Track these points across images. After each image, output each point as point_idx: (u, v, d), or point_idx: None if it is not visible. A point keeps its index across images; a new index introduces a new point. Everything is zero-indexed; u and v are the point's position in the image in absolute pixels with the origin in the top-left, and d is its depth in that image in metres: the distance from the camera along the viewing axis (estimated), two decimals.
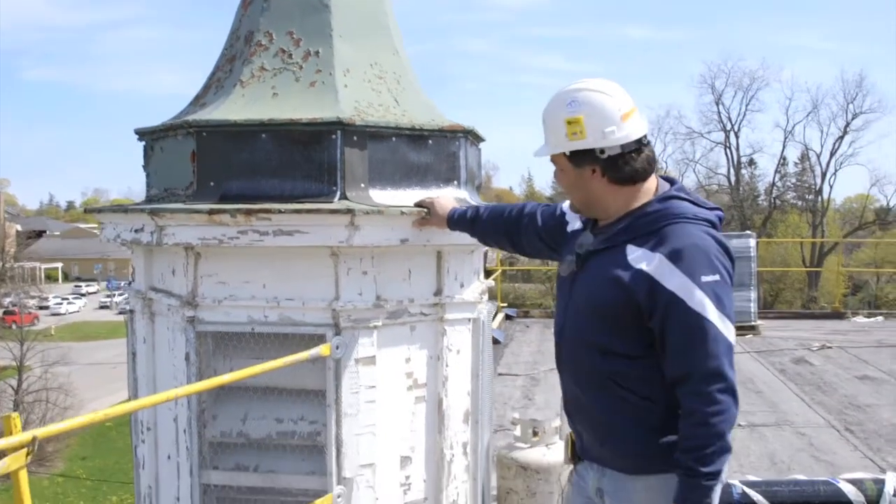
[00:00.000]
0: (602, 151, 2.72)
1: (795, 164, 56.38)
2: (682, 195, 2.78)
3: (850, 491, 4.98)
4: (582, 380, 2.86)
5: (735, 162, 54.18)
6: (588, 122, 2.70)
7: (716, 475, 2.52)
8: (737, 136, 53.91)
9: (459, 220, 3.44)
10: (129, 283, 4.08)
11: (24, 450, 2.20)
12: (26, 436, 2.19)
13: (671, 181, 2.86)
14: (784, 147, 54.30)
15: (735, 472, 5.95)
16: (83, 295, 79.32)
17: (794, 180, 57.40)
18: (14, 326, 48.86)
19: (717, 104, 53.84)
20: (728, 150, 54.12)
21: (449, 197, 3.57)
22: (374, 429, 3.46)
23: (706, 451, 2.51)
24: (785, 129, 53.49)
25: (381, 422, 3.48)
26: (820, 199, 53.06)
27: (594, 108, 2.71)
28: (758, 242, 14.41)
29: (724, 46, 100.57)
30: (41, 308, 66.30)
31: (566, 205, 3.15)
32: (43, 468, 33.75)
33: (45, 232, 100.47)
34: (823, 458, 6.50)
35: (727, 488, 5.03)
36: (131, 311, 3.96)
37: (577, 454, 3.01)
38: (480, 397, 3.86)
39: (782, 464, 6.38)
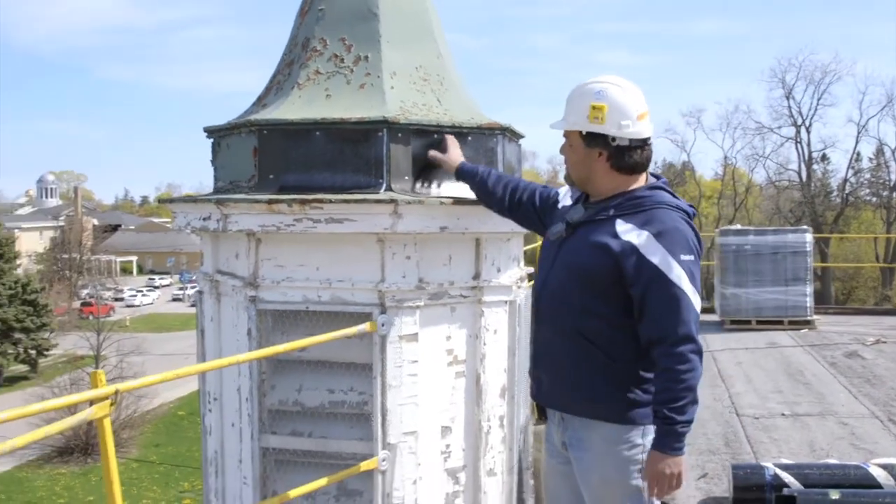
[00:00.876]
0: (613, 139, 3.15)
1: (870, 159, 55.42)
2: (666, 188, 3.23)
3: (879, 475, 5.17)
4: (556, 332, 3.24)
5: (806, 157, 53.36)
6: (609, 112, 3.14)
7: (689, 423, 2.94)
8: (808, 132, 53.10)
9: (467, 173, 3.78)
10: (200, 268, 4.49)
11: (108, 400, 2.57)
12: (110, 388, 2.57)
13: (658, 176, 3.29)
14: (857, 142, 53.42)
15: (774, 458, 6.14)
16: (157, 287, 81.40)
17: (868, 176, 56.33)
18: (91, 317, 50.53)
19: (788, 98, 53.09)
20: (799, 146, 53.34)
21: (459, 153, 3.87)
22: (417, 399, 3.80)
23: (681, 403, 2.92)
24: (858, 124, 52.56)
25: (422, 393, 3.82)
26: (895, 195, 51.94)
27: (618, 101, 3.14)
28: (824, 239, 14.43)
29: (795, 40, 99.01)
30: (116, 300, 68.38)
31: (562, 191, 3.57)
32: (119, 454, 34.99)
33: (120, 226, 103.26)
34: (863, 447, 6.63)
35: (760, 470, 5.27)
36: (200, 293, 4.36)
37: (541, 414, 3.45)
38: (517, 374, 4.18)
39: (821, 451, 6.54)
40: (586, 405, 3.19)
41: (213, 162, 4.32)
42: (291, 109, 3.91)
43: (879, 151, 53.98)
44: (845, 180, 54.35)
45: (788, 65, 66.89)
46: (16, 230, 75.27)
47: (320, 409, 3.82)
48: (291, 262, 3.83)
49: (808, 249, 12.97)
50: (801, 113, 53.02)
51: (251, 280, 3.84)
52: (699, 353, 2.98)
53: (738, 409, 7.96)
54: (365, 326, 3.61)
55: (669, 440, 2.97)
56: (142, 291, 75.67)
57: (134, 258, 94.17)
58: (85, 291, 65.47)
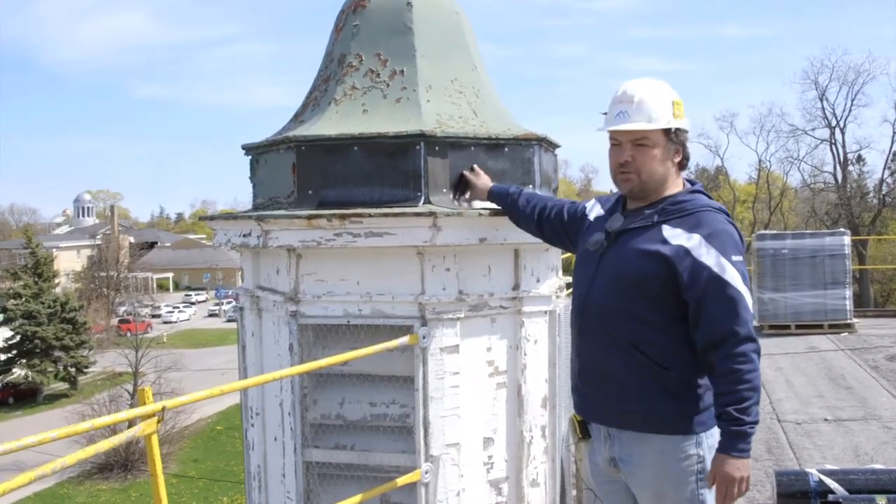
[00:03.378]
0: (687, 136, 3.20)
1: None
2: (704, 191, 3.24)
3: None
4: (603, 343, 3.19)
5: (841, 159, 52.70)
6: (683, 108, 3.19)
7: (755, 423, 2.93)
8: (843, 133, 52.43)
9: (499, 195, 3.80)
10: (241, 284, 4.53)
11: (155, 417, 2.61)
12: (157, 405, 2.61)
13: (692, 181, 3.29)
14: (893, 142, 52.47)
15: (818, 464, 6.07)
16: (193, 303, 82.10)
17: None
18: (129, 334, 51.06)
19: (822, 100, 52.43)
20: (834, 147, 52.69)
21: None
22: (459, 411, 3.80)
23: (747, 404, 2.91)
24: (893, 124, 51.78)
25: (464, 405, 3.83)
26: None
27: (678, 97, 3.19)
28: (861, 241, 14.27)
29: (827, 41, 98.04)
30: (154, 316, 68.97)
31: (589, 204, 3.55)
32: None
33: (156, 243, 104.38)
34: None
35: (804, 476, 5.21)
36: (241, 309, 4.40)
37: (584, 431, 3.37)
38: (557, 384, 4.17)
39: (865, 456, 6.46)
40: (638, 418, 3.13)
41: (252, 178, 4.37)
42: (329, 125, 3.94)
43: None
44: (882, 181, 53.56)
45: (821, 66, 65.85)
46: (54, 249, 76.30)
47: (362, 423, 3.84)
48: (332, 277, 3.85)
49: (846, 252, 12.84)
50: (835, 114, 52.42)
51: (292, 295, 3.87)
52: (759, 352, 2.98)
53: (780, 415, 7.88)
54: (406, 339, 3.63)
55: (737, 442, 2.93)
56: (178, 308, 76.32)
57: (170, 275, 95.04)
58: (122, 309, 66.08)
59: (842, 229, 14.24)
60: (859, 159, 54.84)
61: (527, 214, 3.71)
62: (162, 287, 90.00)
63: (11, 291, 50.60)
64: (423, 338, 3.69)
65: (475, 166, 3.87)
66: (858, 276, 38.78)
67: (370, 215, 3.61)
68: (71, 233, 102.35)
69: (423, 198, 3.74)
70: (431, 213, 3.57)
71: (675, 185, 3.21)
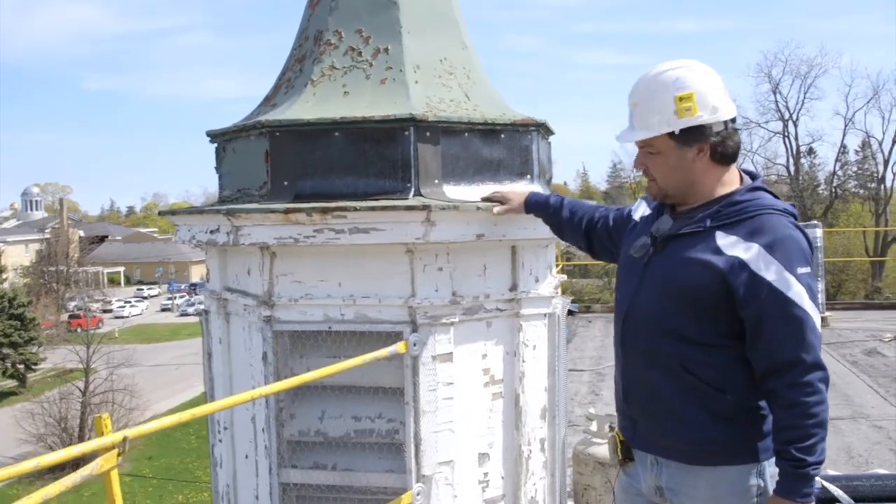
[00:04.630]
0: (711, 128, 2.70)
1: (856, 151, 55.25)
2: (766, 188, 2.77)
3: None
4: (650, 363, 2.80)
5: (794, 151, 53.15)
6: (699, 98, 2.68)
7: (820, 464, 2.52)
8: (795, 126, 52.84)
9: (539, 205, 3.41)
10: (202, 285, 4.11)
11: (116, 450, 2.21)
12: (117, 436, 2.21)
13: (752, 175, 2.83)
14: (844, 135, 53.10)
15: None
16: (145, 298, 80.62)
17: (855, 169, 56.20)
18: (79, 330, 49.90)
19: (775, 93, 52.81)
20: (787, 140, 53.10)
21: (515, 189, 3.54)
22: (453, 426, 3.43)
23: (812, 442, 2.51)
24: (845, 117, 52.30)
25: (458, 418, 3.46)
26: (883, 187, 51.75)
27: (703, 83, 2.70)
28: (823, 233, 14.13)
29: (780, 35, 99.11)
30: (105, 311, 67.63)
31: (635, 203, 3.14)
32: None
33: (107, 237, 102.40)
34: None
35: None
36: (206, 312, 3.98)
37: (626, 453, 2.98)
38: (557, 393, 3.82)
39: (860, 458, 6.23)
40: (690, 449, 2.74)
41: (218, 169, 3.95)
42: (306, 108, 3.54)
43: (866, 144, 53.82)
44: (833, 173, 54.13)
45: (775, 59, 66.71)
46: (1, 244, 74.51)
47: (345, 439, 3.46)
48: (311, 278, 3.46)
49: (818, 245, 12.68)
50: (788, 107, 52.83)
51: (266, 298, 3.47)
52: (828, 381, 2.57)
53: None
54: (397, 347, 3.24)
55: (799, 485, 2.54)
56: (130, 302, 74.88)
57: (121, 269, 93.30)
58: (73, 304, 64.70)
59: (814, 221, 14.10)
60: (811, 152, 55.39)
61: (574, 226, 3.33)
62: (113, 281, 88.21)
63: None
64: (415, 345, 3.31)
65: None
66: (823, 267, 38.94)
67: (355, 209, 3.22)
68: (19, 227, 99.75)
69: (412, 189, 3.35)
70: (425, 207, 3.19)
71: (727, 183, 2.76)
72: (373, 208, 3.22)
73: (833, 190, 53.53)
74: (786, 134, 53.04)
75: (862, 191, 55.35)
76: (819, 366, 2.55)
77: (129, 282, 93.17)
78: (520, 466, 3.65)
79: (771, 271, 2.56)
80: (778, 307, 2.55)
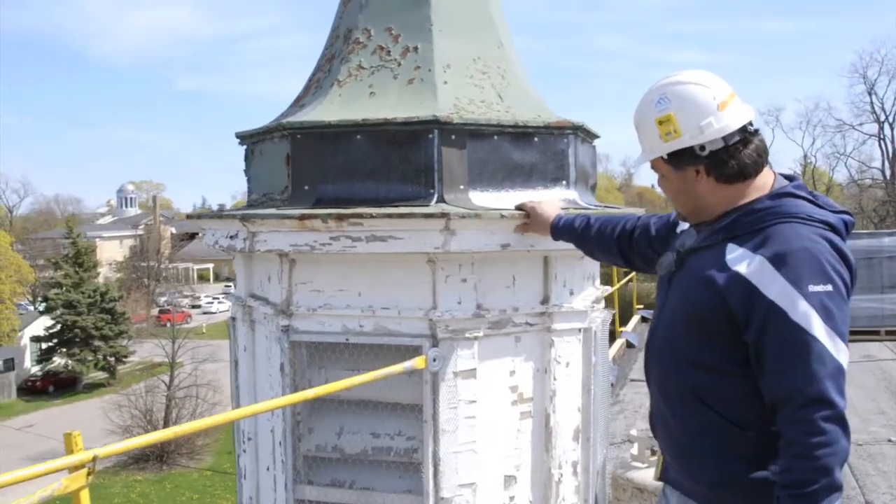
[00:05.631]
0: (702, 148, 2.43)
1: None
2: (801, 193, 2.44)
3: None
4: (666, 393, 2.58)
5: (890, 154, 51.31)
6: (680, 118, 2.43)
7: None
8: (892, 128, 51.05)
9: (565, 230, 3.18)
10: (233, 291, 4.02)
11: (85, 469, 2.09)
12: (87, 455, 2.09)
13: (791, 178, 2.53)
14: None
15: (884, 494, 5.47)
16: (232, 294, 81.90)
17: None
18: (168, 325, 51.12)
19: (870, 94, 51.18)
20: (882, 143, 51.35)
21: (554, 201, 3.32)
22: (475, 446, 3.25)
23: (809, 489, 2.18)
24: None
25: (482, 439, 3.27)
26: None
27: (684, 101, 2.43)
28: None
29: (876, 33, 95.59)
30: (193, 307, 69.16)
31: None
32: (193, 461, 35.17)
33: (197, 234, 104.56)
34: None
35: None
36: (233, 318, 3.88)
37: (665, 476, 2.73)
38: (592, 413, 3.60)
39: None
40: (711, 490, 2.50)
41: (247, 172, 3.85)
42: (330, 110, 3.39)
43: None
44: None
45: (870, 59, 64.28)
46: (97, 239, 76.90)
47: (363, 457, 3.30)
48: (330, 287, 3.31)
49: None
50: (884, 108, 51.15)
51: (284, 307, 3.33)
52: (839, 420, 2.19)
53: None
54: (413, 363, 3.07)
55: None
56: (218, 298, 76.30)
57: (210, 265, 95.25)
58: (163, 299, 66.31)
59: None
60: None
61: (604, 243, 3.10)
62: (202, 278, 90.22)
63: (52, 281, 50.95)
64: (434, 360, 3.13)
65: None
66: None
67: (371, 216, 3.06)
68: (114, 223, 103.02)
69: (436, 195, 3.18)
70: (444, 215, 3.01)
71: (749, 195, 2.47)
72: (390, 215, 3.06)
73: None
74: (881, 136, 51.34)
75: None
76: (825, 401, 2.19)
77: (217, 278, 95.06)
78: (549, 490, 3.44)
79: (773, 288, 2.26)
80: (778, 330, 2.25)
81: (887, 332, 12.04)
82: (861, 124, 52.10)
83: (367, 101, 3.41)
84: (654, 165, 2.57)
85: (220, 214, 3.67)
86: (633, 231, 3.04)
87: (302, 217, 3.13)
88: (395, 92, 3.42)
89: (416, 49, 3.49)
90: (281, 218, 3.18)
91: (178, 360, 42.46)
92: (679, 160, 2.47)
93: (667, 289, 2.63)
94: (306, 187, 3.31)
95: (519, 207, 3.23)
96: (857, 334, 12.07)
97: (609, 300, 10.92)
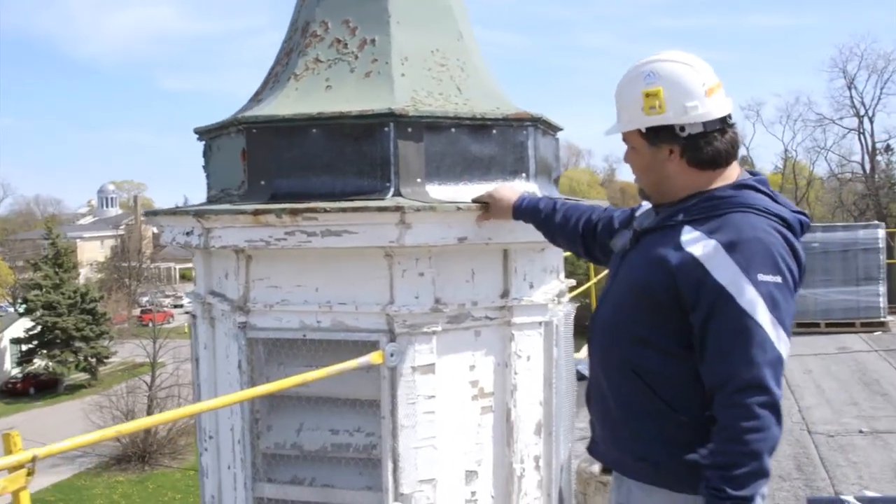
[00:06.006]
0: (682, 129, 2.46)
1: None
2: (762, 188, 2.49)
3: None
4: (607, 367, 2.60)
5: (870, 149, 51.75)
6: (668, 96, 2.45)
7: (746, 500, 2.22)
8: (871, 122, 51.50)
9: (528, 211, 3.17)
10: (193, 288, 3.98)
11: (24, 469, 2.05)
12: (25, 455, 2.05)
13: (755, 173, 2.57)
14: None
15: (853, 485, 5.47)
16: None
17: None
18: (150, 325, 50.89)
19: (850, 89, 51.58)
20: (862, 137, 51.78)
21: (513, 185, 3.31)
22: (435, 441, 3.22)
23: (737, 472, 2.22)
24: None
25: (442, 434, 3.24)
26: None
27: (675, 80, 2.46)
28: (889, 233, 13.58)
29: (856, 29, 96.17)
30: (176, 307, 68.83)
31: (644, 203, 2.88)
32: (175, 461, 35.04)
33: None
34: None
35: (838, 502, 4.61)
36: (193, 316, 3.84)
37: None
38: (555, 407, 3.58)
39: None
40: (640, 465, 2.53)
41: (205, 168, 3.80)
42: (286, 104, 3.36)
43: None
44: None
45: (850, 54, 64.57)
46: (77, 240, 76.49)
47: (322, 454, 3.26)
48: (287, 283, 3.27)
49: (880, 246, 12.20)
50: (863, 103, 51.51)
51: (241, 304, 3.30)
52: (773, 407, 2.23)
53: (810, 426, 7.26)
54: (370, 358, 3.04)
55: None
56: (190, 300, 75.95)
57: (192, 265, 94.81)
58: (144, 299, 66.02)
59: (876, 221, 13.59)
60: (888, 149, 53.86)
61: (568, 232, 3.09)
62: (185, 277, 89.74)
63: (32, 282, 50.61)
64: (391, 355, 3.10)
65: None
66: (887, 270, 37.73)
67: (326, 210, 3.02)
68: (95, 223, 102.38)
69: (392, 189, 3.15)
70: (398, 208, 2.98)
71: (717, 177, 2.50)
72: (344, 209, 3.03)
73: None
74: (861, 131, 51.76)
75: None
76: (761, 387, 2.22)
77: None
78: (511, 485, 3.42)
79: (725, 273, 2.29)
80: (724, 314, 2.28)
81: (862, 324, 12.09)
82: (841, 118, 52.54)
83: (323, 94, 3.38)
84: (628, 137, 2.59)
85: (174, 211, 3.63)
86: (598, 224, 3.04)
87: (256, 212, 3.09)
88: (352, 85, 3.39)
89: (373, 42, 3.45)
90: (235, 213, 3.14)
91: (159, 359, 42.33)
92: (656, 136, 2.50)
93: (619, 265, 2.66)
94: (262, 182, 3.27)
95: (477, 200, 3.20)
96: (832, 326, 12.14)
97: (586, 296, 10.90)
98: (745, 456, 2.21)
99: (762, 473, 2.23)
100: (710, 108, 2.45)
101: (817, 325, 12.07)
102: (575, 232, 3.09)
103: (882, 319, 12.11)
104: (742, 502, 2.22)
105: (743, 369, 2.24)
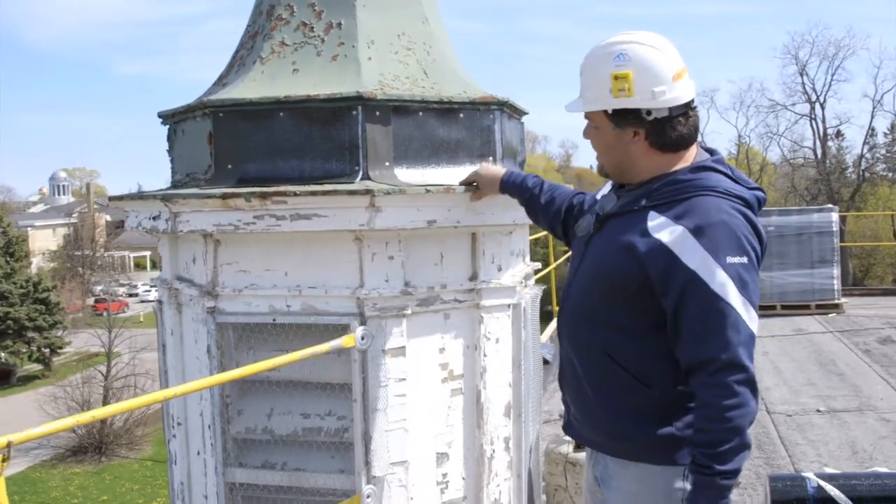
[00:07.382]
0: (649, 113, 2.49)
1: (885, 134, 54.37)
2: (720, 167, 2.53)
3: None
4: (578, 349, 2.66)
5: (821, 134, 52.48)
6: (637, 80, 2.47)
7: (733, 474, 2.31)
8: (822, 108, 52.16)
9: (515, 186, 3.20)
10: (159, 274, 3.94)
11: (0, 455, 2.03)
12: (1, 441, 2.03)
13: (712, 152, 2.61)
14: (873, 117, 52.32)
15: (812, 462, 5.58)
16: None
17: (883, 151, 55.34)
18: (105, 314, 50.24)
19: (802, 75, 52.17)
20: (814, 122, 52.45)
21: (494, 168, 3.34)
22: (406, 424, 3.23)
23: (723, 448, 2.29)
24: (873, 99, 51.56)
25: (413, 416, 3.26)
26: None
27: (646, 64, 2.47)
28: (841, 217, 13.83)
29: (808, 16, 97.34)
30: (130, 296, 68.07)
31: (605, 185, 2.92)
32: (133, 452, 34.68)
33: None
34: None
35: (801, 481, 4.69)
36: (159, 302, 3.81)
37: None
38: (524, 389, 3.61)
39: (864, 453, 5.96)
40: (614, 441, 2.59)
41: (170, 152, 3.77)
42: (252, 87, 3.34)
43: (895, 126, 52.96)
44: (861, 156, 53.31)
45: (802, 41, 65.69)
46: (29, 228, 75.11)
47: (294, 438, 3.27)
48: (256, 267, 3.26)
49: (834, 229, 12.40)
50: (815, 89, 52.15)
51: (210, 288, 3.28)
52: (750, 384, 2.31)
53: (769, 406, 7.39)
54: (341, 341, 3.04)
55: (707, 495, 2.32)
56: (156, 286, 75.14)
57: (147, 253, 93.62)
58: (98, 288, 65.15)
59: (829, 205, 13.79)
60: (839, 134, 54.69)
61: (551, 213, 3.11)
62: (139, 266, 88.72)
63: None
64: (362, 339, 3.10)
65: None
66: (840, 253, 38.38)
67: (295, 194, 3.02)
68: (46, 211, 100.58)
69: (361, 172, 3.15)
70: (368, 191, 2.98)
71: (678, 160, 2.54)
72: (314, 193, 3.02)
73: (861, 173, 52.76)
74: (813, 116, 52.41)
75: (891, 174, 54.54)
76: (738, 366, 2.30)
77: (154, 266, 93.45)
78: (482, 466, 3.45)
79: (694, 258, 2.34)
80: (697, 299, 2.33)
81: (817, 306, 12.30)
82: (793, 104, 53.15)
83: (290, 78, 3.36)
84: (591, 116, 2.61)
85: (141, 195, 3.59)
86: (575, 206, 3.07)
87: (224, 196, 3.07)
88: (319, 69, 3.38)
89: (339, 25, 3.44)
90: (203, 198, 3.12)
91: (115, 349, 41.80)
92: (622, 118, 2.52)
93: (583, 250, 2.69)
94: (229, 166, 3.25)
95: (464, 182, 3.23)
96: (788, 308, 12.33)
97: (547, 279, 10.98)
98: (728, 432, 2.28)
99: (745, 447, 2.31)
100: (677, 93, 2.49)
101: (773, 307, 12.26)
102: (557, 215, 3.11)
103: (836, 301, 12.34)
104: (729, 476, 2.29)
105: (720, 350, 2.30)
